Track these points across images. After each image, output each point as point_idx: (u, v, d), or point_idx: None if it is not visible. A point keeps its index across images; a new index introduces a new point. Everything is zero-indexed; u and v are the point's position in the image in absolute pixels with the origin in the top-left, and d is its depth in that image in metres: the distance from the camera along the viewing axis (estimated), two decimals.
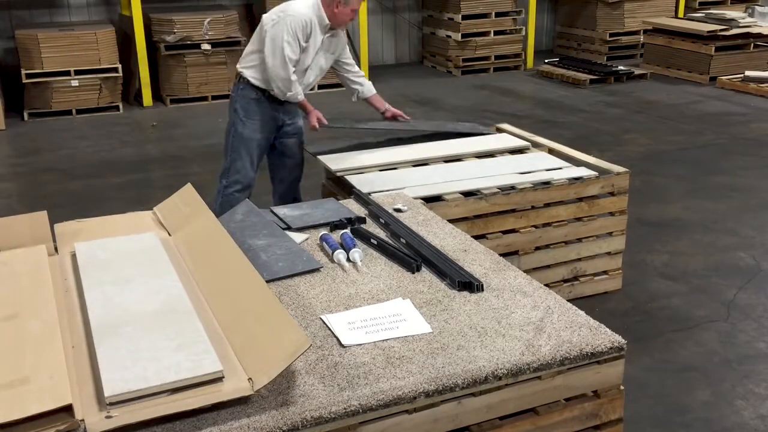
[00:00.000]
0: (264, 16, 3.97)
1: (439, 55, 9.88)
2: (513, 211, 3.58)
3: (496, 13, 9.47)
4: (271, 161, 4.34)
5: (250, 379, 1.82)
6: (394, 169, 3.84)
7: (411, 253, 2.57)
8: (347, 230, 2.75)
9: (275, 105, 4.07)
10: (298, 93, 3.98)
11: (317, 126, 4.10)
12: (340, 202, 3.12)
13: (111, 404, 1.72)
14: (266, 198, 4.42)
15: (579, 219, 3.75)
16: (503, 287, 2.35)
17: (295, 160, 4.29)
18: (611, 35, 9.96)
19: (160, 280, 2.30)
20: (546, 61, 9.70)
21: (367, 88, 4.36)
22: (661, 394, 3.13)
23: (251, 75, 4.02)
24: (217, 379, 1.81)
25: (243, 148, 4.08)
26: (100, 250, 2.55)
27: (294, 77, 3.92)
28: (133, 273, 2.36)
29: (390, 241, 2.69)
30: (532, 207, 3.61)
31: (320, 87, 8.62)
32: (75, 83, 7.67)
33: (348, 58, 4.27)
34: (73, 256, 2.53)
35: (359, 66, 4.62)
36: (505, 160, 3.96)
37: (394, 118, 4.38)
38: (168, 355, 1.88)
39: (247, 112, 4.05)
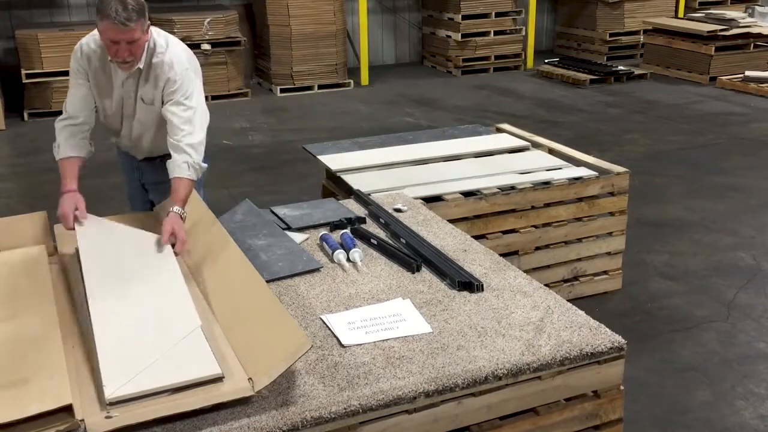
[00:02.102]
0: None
1: (439, 55, 9.87)
2: (513, 211, 3.58)
3: (496, 13, 9.46)
4: None
5: (250, 379, 1.82)
6: (394, 169, 3.84)
7: (411, 253, 2.57)
8: (347, 230, 2.75)
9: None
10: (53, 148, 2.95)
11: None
12: (340, 202, 3.12)
13: (111, 404, 1.72)
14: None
15: (579, 219, 3.75)
16: (503, 287, 2.35)
17: None
18: (611, 35, 9.95)
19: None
20: (546, 61, 9.69)
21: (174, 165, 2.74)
22: (661, 394, 3.12)
23: None
24: (217, 380, 1.82)
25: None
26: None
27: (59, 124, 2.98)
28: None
29: (390, 241, 2.69)
30: (532, 207, 3.61)
31: (320, 87, 8.63)
32: None
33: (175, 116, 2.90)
34: (73, 256, 2.54)
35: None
36: (505, 160, 3.96)
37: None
38: (168, 355, 1.88)
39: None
